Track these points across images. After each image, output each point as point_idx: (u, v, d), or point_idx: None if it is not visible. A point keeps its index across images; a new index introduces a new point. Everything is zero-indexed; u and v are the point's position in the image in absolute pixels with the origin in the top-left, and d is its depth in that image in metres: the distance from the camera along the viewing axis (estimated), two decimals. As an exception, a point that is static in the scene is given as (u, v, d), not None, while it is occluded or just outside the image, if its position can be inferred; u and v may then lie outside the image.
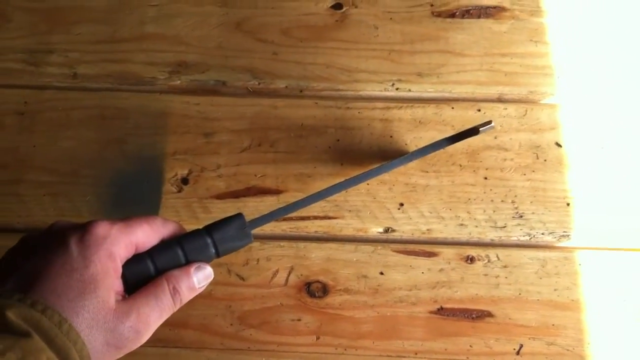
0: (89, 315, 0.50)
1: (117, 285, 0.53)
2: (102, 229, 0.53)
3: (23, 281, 0.50)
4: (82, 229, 0.53)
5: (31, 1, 0.83)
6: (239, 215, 0.59)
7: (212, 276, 0.58)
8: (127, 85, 0.79)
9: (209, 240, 0.57)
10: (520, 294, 0.71)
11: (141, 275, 0.55)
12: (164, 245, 0.57)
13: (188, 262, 0.57)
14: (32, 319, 0.47)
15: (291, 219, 0.74)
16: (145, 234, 0.55)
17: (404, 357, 0.70)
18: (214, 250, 0.58)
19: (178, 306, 0.56)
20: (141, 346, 0.55)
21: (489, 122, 0.63)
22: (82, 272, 0.50)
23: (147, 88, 0.79)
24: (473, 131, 0.66)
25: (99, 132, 0.77)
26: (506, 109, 0.78)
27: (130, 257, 0.55)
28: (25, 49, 0.81)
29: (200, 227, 0.68)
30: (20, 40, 0.81)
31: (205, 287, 0.58)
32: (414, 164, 0.75)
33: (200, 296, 0.59)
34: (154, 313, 0.53)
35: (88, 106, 0.78)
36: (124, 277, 0.54)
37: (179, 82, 0.79)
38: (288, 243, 0.73)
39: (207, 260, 0.58)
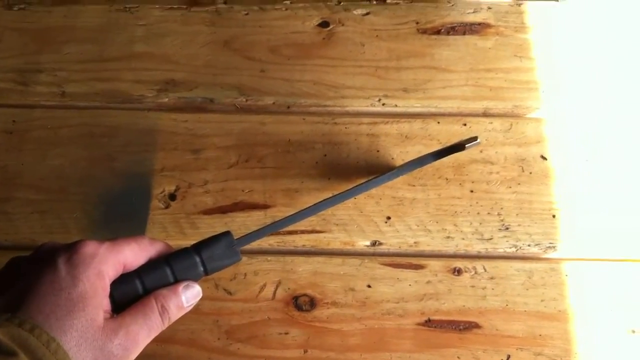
0: (78, 333, 0.49)
1: (105, 304, 0.53)
2: (90, 248, 0.53)
3: (11, 301, 0.50)
4: (70, 249, 0.53)
5: (21, 21, 0.84)
6: (227, 233, 0.59)
7: (201, 295, 0.57)
8: (116, 103, 0.80)
9: (197, 259, 0.57)
10: (507, 305, 0.71)
11: (129, 294, 0.55)
12: (153, 264, 0.57)
13: (177, 281, 0.56)
14: (19, 338, 0.47)
15: (278, 233, 0.74)
16: (134, 253, 0.55)
17: (393, 370, 0.70)
18: (202, 269, 0.57)
19: (166, 324, 0.55)
20: (129, 362, 0.55)
21: (475, 138, 0.63)
22: (70, 291, 0.50)
23: (135, 106, 0.80)
24: (459, 147, 0.66)
25: (88, 150, 0.77)
26: (491, 123, 0.78)
27: (118, 276, 0.55)
28: (14, 68, 0.82)
29: (188, 243, 0.68)
30: (9, 60, 0.82)
31: (193, 305, 0.57)
32: (400, 177, 0.75)
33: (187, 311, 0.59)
34: (142, 331, 0.53)
35: (76, 124, 0.79)
36: (112, 296, 0.54)
37: (167, 99, 0.80)
38: (275, 257, 0.73)
39: (196, 278, 0.58)
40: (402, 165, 0.66)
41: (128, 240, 0.56)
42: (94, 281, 0.51)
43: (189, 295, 0.56)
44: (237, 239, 0.59)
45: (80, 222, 0.74)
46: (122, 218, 0.74)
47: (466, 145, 0.64)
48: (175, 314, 0.56)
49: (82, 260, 0.52)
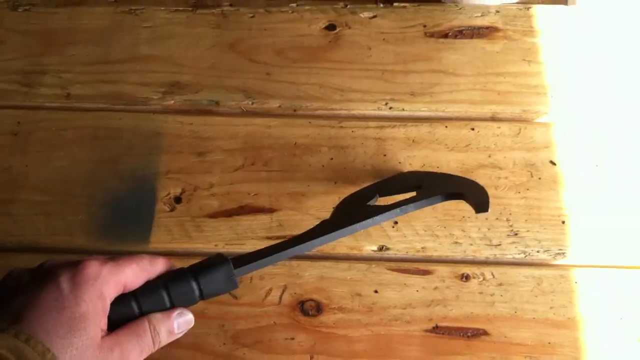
0: (77, 352, 0.50)
1: (103, 323, 0.53)
2: (94, 269, 0.53)
3: (11, 314, 0.50)
4: (74, 268, 0.53)
5: (25, 23, 0.84)
6: (227, 262, 0.58)
7: (193, 323, 0.58)
8: (121, 105, 0.79)
9: (194, 285, 0.57)
10: (515, 312, 0.70)
11: (125, 315, 0.55)
12: (150, 287, 0.57)
13: (172, 305, 0.57)
14: (15, 348, 0.47)
15: (284, 237, 0.73)
16: (134, 274, 0.56)
17: (399, 376, 0.69)
18: (198, 294, 0.57)
19: (157, 347, 0.56)
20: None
21: (487, 206, 0.61)
22: (73, 310, 0.51)
23: (140, 108, 0.79)
24: (462, 196, 0.64)
25: (92, 152, 0.77)
26: (500, 127, 0.78)
27: (118, 294, 0.55)
28: (19, 70, 0.81)
29: (193, 246, 0.68)
30: (14, 62, 0.82)
31: (184, 332, 0.58)
32: (408, 182, 0.74)
33: (193, 315, 0.58)
34: (135, 350, 0.54)
35: (81, 126, 0.78)
36: (108, 315, 0.54)
37: (172, 102, 0.79)
38: (281, 261, 0.72)
39: (191, 302, 0.58)
40: (407, 204, 0.64)
41: (129, 260, 0.56)
42: (96, 302, 0.52)
43: (181, 322, 0.57)
44: (236, 269, 0.58)
45: (84, 225, 0.73)
46: (127, 221, 0.74)
47: (477, 213, 0.62)
48: (165, 338, 0.57)
49: (85, 280, 0.52)
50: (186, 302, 0.57)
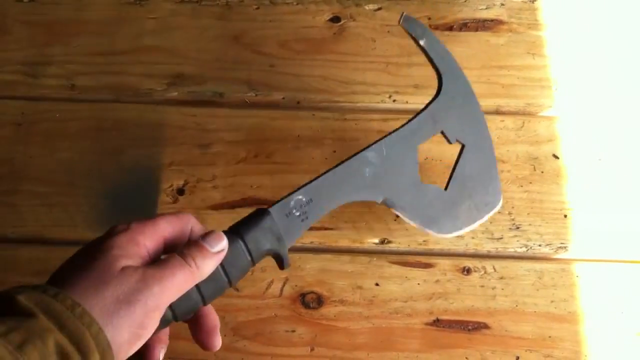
0: (107, 300, 0.48)
1: (140, 271, 0.51)
2: (122, 226, 0.53)
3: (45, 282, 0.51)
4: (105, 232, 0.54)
5: (30, 14, 0.84)
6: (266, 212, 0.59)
7: (224, 239, 0.55)
8: (125, 96, 0.80)
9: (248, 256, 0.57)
10: (516, 305, 0.70)
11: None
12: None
13: (230, 282, 0.56)
14: (42, 302, 0.46)
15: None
16: (168, 223, 0.55)
17: (400, 369, 0.69)
18: (249, 258, 0.57)
19: (197, 273, 0.53)
20: None
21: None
22: (100, 259, 0.50)
23: (144, 99, 0.79)
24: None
25: (96, 143, 0.77)
26: (503, 121, 0.77)
27: (159, 251, 0.54)
28: (23, 60, 0.81)
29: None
30: (19, 52, 0.82)
31: (223, 252, 0.54)
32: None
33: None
34: (178, 280, 0.51)
35: (85, 117, 0.78)
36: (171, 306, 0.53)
37: (176, 93, 0.80)
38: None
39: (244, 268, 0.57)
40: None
41: (158, 216, 0.55)
42: (127, 247, 0.51)
43: (212, 241, 0.54)
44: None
45: (87, 216, 0.74)
46: (130, 212, 0.74)
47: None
48: (200, 259, 0.53)
49: (114, 233, 0.52)
50: (241, 270, 0.56)
